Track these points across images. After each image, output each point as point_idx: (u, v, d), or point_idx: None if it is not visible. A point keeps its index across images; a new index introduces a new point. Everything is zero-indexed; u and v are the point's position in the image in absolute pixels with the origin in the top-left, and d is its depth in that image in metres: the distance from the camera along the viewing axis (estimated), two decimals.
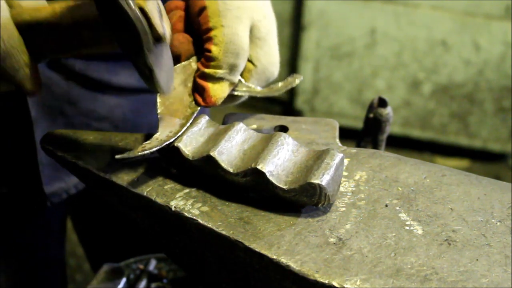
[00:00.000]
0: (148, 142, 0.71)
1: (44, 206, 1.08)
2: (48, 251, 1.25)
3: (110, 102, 1.08)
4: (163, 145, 0.70)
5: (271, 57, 0.79)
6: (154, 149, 0.70)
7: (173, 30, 0.78)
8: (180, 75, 0.77)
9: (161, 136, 0.72)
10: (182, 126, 0.74)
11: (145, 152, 0.69)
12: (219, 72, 0.75)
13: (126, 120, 1.10)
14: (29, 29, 0.69)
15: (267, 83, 0.81)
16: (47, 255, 1.25)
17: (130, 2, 0.60)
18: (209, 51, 0.74)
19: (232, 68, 0.75)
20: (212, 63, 0.75)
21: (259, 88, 0.80)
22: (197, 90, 0.77)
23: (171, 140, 0.71)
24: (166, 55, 0.67)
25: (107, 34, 0.67)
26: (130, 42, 0.63)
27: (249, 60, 0.78)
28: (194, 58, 0.79)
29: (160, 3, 0.67)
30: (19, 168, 1.04)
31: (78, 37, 0.69)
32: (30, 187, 1.06)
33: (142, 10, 0.62)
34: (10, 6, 0.69)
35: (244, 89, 0.79)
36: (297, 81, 0.81)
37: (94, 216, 1.32)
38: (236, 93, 0.79)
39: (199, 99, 0.77)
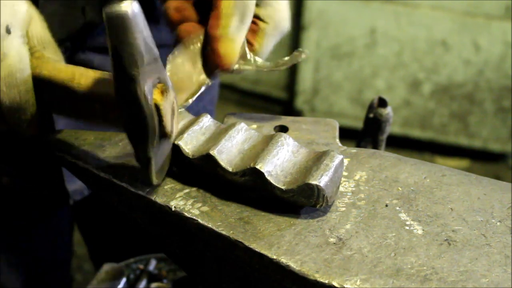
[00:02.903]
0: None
1: (67, 203, 1.10)
2: (56, 252, 1.25)
3: None
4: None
5: (281, 13, 0.82)
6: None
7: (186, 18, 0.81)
8: (187, 52, 0.79)
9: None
10: (187, 100, 0.77)
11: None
12: (228, 31, 0.77)
13: None
14: (44, 85, 0.69)
15: (281, 37, 0.85)
16: (55, 256, 1.25)
17: (149, 99, 0.60)
18: (217, 9, 0.76)
19: (239, 26, 0.77)
20: (221, 23, 0.77)
21: (267, 63, 0.83)
22: (210, 57, 0.79)
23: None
24: (166, 148, 0.68)
25: (117, 114, 0.67)
26: (137, 132, 0.63)
27: (261, 20, 0.81)
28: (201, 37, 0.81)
29: (175, 101, 0.67)
30: (41, 167, 1.05)
31: (88, 107, 0.70)
32: (52, 185, 1.07)
33: (157, 108, 0.62)
34: (32, 52, 0.69)
35: (252, 63, 0.82)
36: (303, 56, 0.85)
37: (99, 216, 1.32)
38: (244, 67, 0.81)
39: (215, 63, 0.78)
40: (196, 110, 1.17)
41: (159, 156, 0.66)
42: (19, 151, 1.03)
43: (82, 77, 0.69)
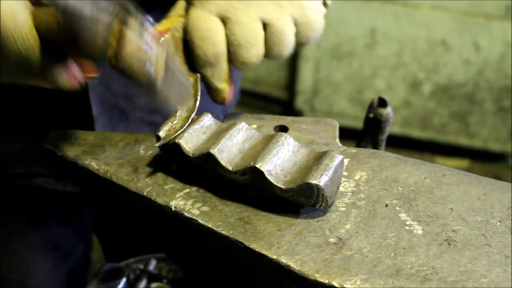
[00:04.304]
0: (175, 122, 0.73)
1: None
2: (82, 252, 1.26)
3: None
4: (191, 118, 0.74)
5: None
6: (185, 127, 0.73)
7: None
8: (169, 47, 0.78)
9: (183, 113, 0.75)
10: (195, 96, 0.76)
11: (178, 132, 0.72)
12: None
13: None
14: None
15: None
16: (81, 256, 1.26)
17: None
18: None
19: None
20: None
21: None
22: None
23: (195, 112, 0.75)
24: (176, 78, 0.66)
25: None
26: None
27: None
28: (179, 23, 0.80)
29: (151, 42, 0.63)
30: None
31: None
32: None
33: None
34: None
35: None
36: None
37: (113, 215, 1.32)
38: None
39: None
40: (221, 107, 1.18)
41: (166, 85, 0.64)
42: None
43: None
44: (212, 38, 0.75)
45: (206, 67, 0.77)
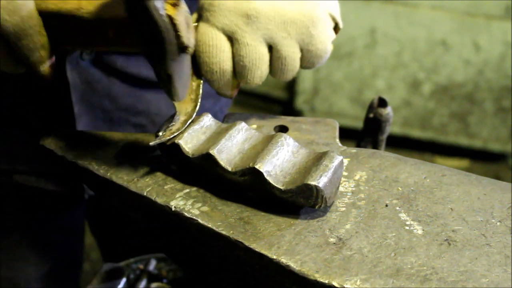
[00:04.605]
0: (172, 124, 0.72)
1: (81, 200, 1.10)
2: (69, 251, 1.26)
3: (147, 97, 1.11)
4: (188, 123, 0.73)
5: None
6: (182, 129, 0.72)
7: None
8: None
9: (181, 116, 0.74)
10: (195, 100, 0.76)
11: (176, 134, 0.71)
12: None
13: (161, 114, 1.12)
14: (52, 17, 0.68)
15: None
16: (68, 255, 1.26)
17: (161, 11, 0.60)
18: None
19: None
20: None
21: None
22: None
23: (194, 116, 0.74)
24: (187, 64, 0.68)
25: (132, 37, 0.67)
26: (154, 49, 0.63)
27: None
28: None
29: (188, 14, 0.67)
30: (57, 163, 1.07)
31: (102, 35, 0.69)
32: (68, 181, 1.08)
33: (171, 20, 0.61)
34: None
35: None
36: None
37: (111, 215, 1.32)
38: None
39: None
40: (213, 111, 1.19)
41: (180, 71, 0.66)
42: (35, 148, 1.06)
43: (90, 4, 0.67)
44: (218, 55, 0.76)
45: (214, 81, 0.78)
